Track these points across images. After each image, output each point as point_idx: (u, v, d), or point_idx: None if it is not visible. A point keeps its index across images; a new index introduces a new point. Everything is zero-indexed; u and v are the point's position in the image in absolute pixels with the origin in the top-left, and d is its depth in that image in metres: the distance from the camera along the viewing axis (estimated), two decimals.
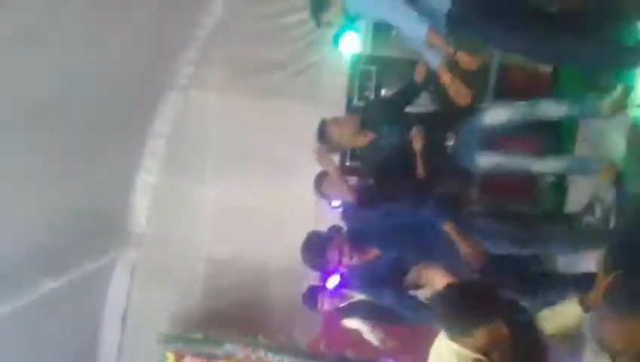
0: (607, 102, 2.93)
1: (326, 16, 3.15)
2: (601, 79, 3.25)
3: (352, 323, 3.84)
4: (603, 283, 2.19)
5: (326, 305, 3.76)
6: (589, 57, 2.93)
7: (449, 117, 3.35)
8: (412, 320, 3.23)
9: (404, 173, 3.36)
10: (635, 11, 2.82)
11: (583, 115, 3.23)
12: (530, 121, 3.16)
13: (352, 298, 3.78)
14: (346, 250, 2.95)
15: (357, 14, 3.13)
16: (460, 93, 3.10)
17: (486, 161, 3.24)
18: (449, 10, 2.89)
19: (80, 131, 3.64)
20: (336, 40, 3.44)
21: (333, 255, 2.93)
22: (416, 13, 2.87)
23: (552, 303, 3.05)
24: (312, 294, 3.84)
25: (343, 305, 3.80)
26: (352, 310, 3.78)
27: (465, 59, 2.87)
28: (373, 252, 3.01)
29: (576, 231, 3.16)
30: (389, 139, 3.29)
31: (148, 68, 4.08)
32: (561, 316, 2.28)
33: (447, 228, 2.81)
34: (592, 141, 3.38)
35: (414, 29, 2.91)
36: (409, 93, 3.44)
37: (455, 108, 3.25)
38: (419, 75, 3.26)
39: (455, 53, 2.87)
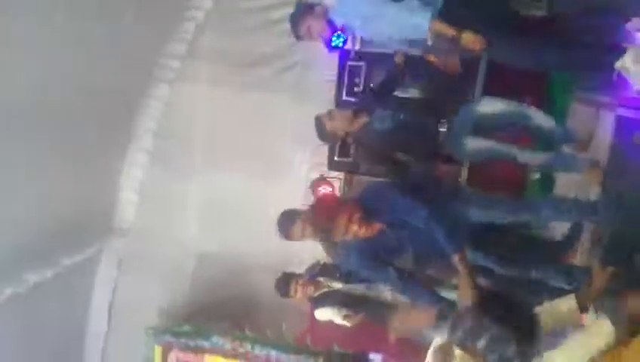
0: None
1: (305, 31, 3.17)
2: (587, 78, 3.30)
3: (322, 313, 3.70)
4: (599, 280, 2.19)
5: (299, 293, 3.68)
6: (575, 64, 3.04)
7: (441, 104, 3.38)
8: (411, 299, 3.18)
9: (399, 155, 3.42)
10: (618, 13, 2.86)
11: (564, 136, 3.31)
12: (521, 121, 3.20)
13: (326, 287, 3.72)
14: (357, 216, 2.80)
15: (343, 25, 3.12)
16: (450, 64, 3.19)
17: (472, 144, 3.24)
18: (440, 10, 2.91)
19: (67, 125, 3.63)
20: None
21: (342, 219, 2.78)
22: (414, 1, 2.87)
23: (546, 285, 3.11)
24: (286, 281, 3.77)
25: (316, 294, 3.71)
26: (325, 299, 3.68)
27: (470, 39, 2.87)
28: (378, 226, 2.88)
29: (564, 200, 3.13)
30: (382, 122, 3.30)
31: (135, 61, 4.07)
32: (557, 312, 2.27)
33: (458, 260, 2.70)
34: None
35: (413, 19, 2.90)
36: (394, 76, 3.46)
37: (447, 96, 3.30)
38: (399, 59, 3.35)
39: (460, 34, 2.86)
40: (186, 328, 4.46)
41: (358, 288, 3.56)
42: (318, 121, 3.39)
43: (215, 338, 4.37)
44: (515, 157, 3.20)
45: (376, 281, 3.32)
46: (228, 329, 4.39)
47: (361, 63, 4.11)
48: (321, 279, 3.72)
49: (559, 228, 3.53)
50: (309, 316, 4.20)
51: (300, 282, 3.68)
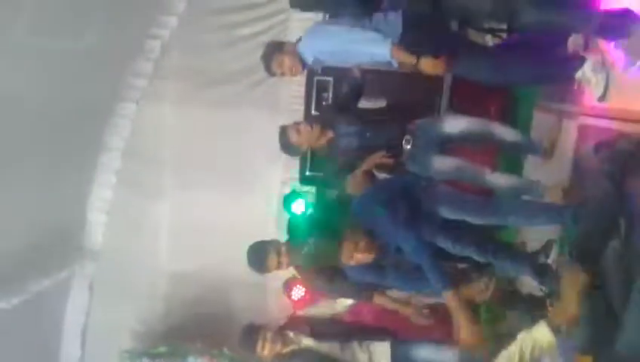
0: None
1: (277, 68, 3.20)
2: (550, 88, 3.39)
3: None
4: (571, 298, 2.12)
5: (267, 350, 3.26)
6: (537, 78, 3.11)
7: (405, 116, 3.36)
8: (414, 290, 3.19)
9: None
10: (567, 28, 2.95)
11: (529, 147, 3.37)
12: (486, 138, 3.25)
13: (295, 343, 3.33)
14: (362, 245, 2.73)
15: (314, 59, 3.16)
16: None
17: (441, 163, 3.23)
18: (401, 35, 2.97)
19: (32, 146, 3.57)
20: None
21: (349, 247, 2.71)
22: (375, 34, 2.94)
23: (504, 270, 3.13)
24: (252, 334, 3.35)
25: (285, 351, 3.30)
26: (293, 360, 3.32)
27: (429, 65, 2.90)
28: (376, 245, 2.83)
29: (533, 205, 3.12)
30: (348, 137, 3.29)
31: (101, 80, 4.02)
32: (536, 345, 2.25)
33: (449, 298, 2.58)
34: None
35: (376, 50, 2.97)
36: (355, 88, 3.46)
37: (411, 108, 3.34)
38: (356, 73, 3.38)
39: (418, 60, 2.90)
40: (162, 349, 4.41)
41: (331, 347, 3.28)
42: (283, 132, 3.35)
43: (192, 359, 4.33)
44: (483, 180, 3.24)
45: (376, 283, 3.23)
46: (205, 348, 4.35)
47: (329, 78, 4.13)
48: (291, 333, 3.34)
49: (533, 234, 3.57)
50: None
51: (268, 336, 3.28)
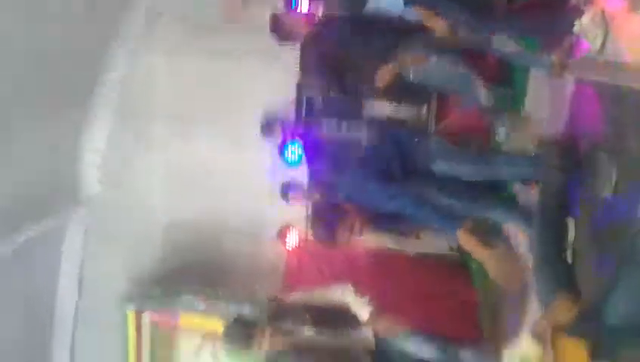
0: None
1: None
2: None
3: None
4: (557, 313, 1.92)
5: (266, 346, 3.02)
6: (535, 29, 3.12)
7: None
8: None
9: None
10: None
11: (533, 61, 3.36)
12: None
13: (291, 334, 3.17)
14: (357, 227, 2.77)
15: None
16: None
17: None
18: None
19: (24, 95, 3.51)
20: None
21: (344, 233, 2.74)
22: None
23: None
24: (245, 329, 3.08)
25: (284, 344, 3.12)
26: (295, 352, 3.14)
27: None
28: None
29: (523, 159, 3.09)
30: (340, 30, 3.29)
31: (92, 30, 3.93)
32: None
33: (462, 237, 2.54)
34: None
35: None
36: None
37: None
38: None
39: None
40: (157, 291, 4.46)
41: (330, 334, 3.14)
42: (274, 15, 3.34)
43: (188, 299, 4.36)
44: (478, 94, 3.25)
45: None
46: (200, 288, 4.40)
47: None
48: (290, 324, 3.14)
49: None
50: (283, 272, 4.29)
51: (267, 333, 3.01)
